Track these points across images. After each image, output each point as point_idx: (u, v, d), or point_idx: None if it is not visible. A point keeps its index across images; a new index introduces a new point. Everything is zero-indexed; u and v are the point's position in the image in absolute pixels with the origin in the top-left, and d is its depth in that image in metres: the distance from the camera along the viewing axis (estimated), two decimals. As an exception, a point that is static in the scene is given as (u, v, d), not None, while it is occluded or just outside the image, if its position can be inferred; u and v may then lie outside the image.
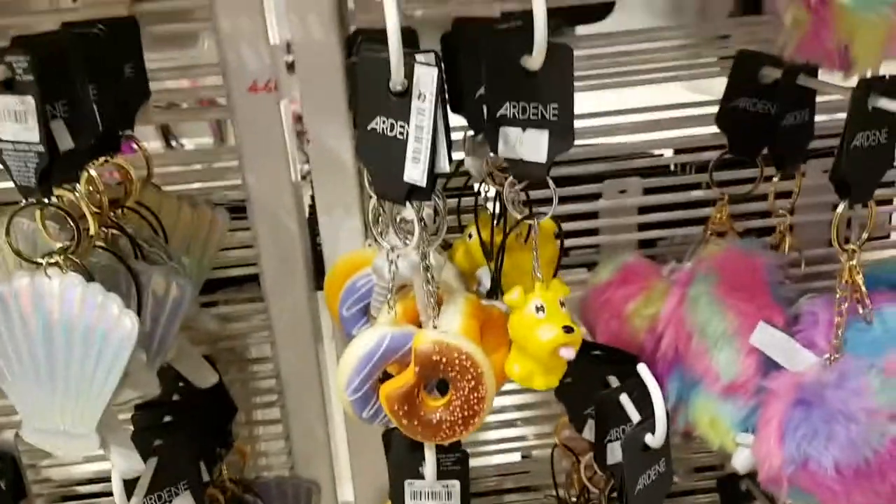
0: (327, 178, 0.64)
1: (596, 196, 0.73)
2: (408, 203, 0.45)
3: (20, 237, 0.51)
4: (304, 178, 0.68)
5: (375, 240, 0.49)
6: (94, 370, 0.47)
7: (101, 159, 0.54)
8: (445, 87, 0.43)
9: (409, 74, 0.42)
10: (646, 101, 0.71)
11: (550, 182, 0.48)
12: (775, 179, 0.63)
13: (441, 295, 0.53)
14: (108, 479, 0.78)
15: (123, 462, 0.49)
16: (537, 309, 0.49)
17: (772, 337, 0.59)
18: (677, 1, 0.89)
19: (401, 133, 0.44)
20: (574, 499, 0.72)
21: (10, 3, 0.58)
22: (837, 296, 0.57)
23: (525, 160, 0.47)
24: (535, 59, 0.43)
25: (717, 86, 0.66)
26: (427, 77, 0.41)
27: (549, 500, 0.77)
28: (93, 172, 0.52)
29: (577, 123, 0.69)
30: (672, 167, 0.76)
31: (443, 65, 0.43)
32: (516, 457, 0.87)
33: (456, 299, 0.51)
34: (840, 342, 0.57)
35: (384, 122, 0.44)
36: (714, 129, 0.65)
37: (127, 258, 0.52)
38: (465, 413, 0.48)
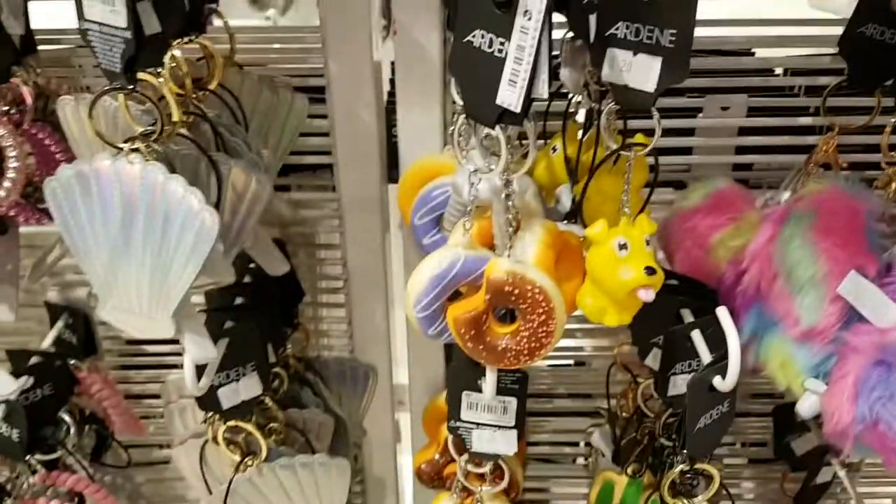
0: (411, 72, 0.61)
1: (695, 111, 0.69)
2: (497, 126, 0.42)
3: (102, 116, 0.50)
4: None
5: (458, 159, 0.47)
6: (173, 258, 0.48)
7: (186, 38, 0.53)
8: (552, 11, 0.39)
9: (516, -15, 0.39)
10: (763, 13, 0.65)
11: (655, 113, 0.45)
12: (893, 120, 0.58)
13: (518, 217, 0.51)
14: (175, 341, 0.83)
15: (196, 349, 0.50)
16: (620, 247, 0.47)
17: (861, 288, 0.56)
18: None
19: (500, 51, 0.41)
20: (626, 415, 0.72)
21: None
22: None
23: (631, 87, 0.44)
24: (658, -19, 0.39)
25: (845, 7, 0.60)
26: (537, -7, 0.38)
27: (601, 412, 0.78)
28: (177, 53, 0.51)
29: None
30: (786, 88, 0.70)
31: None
32: (570, 362, 0.88)
33: (533, 226, 0.49)
34: (932, 304, 0.54)
35: (483, 37, 0.41)
36: (834, 51, 0.59)
37: (208, 148, 0.51)
38: (532, 345, 0.47)
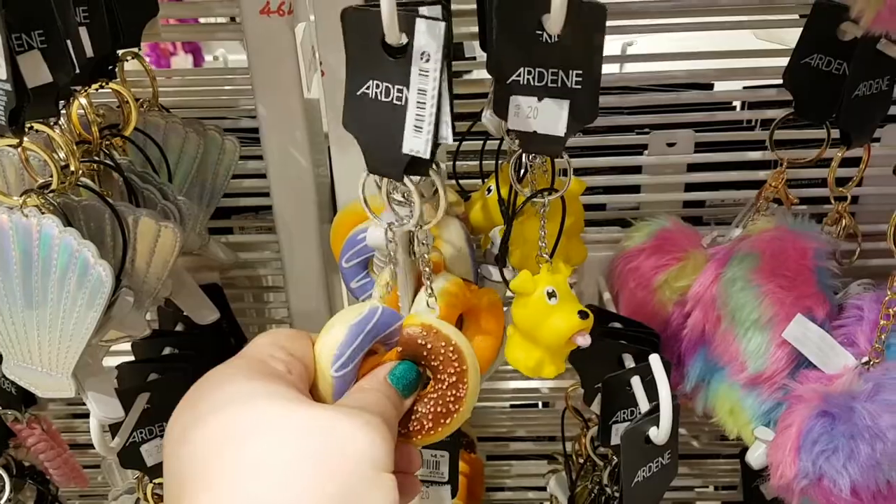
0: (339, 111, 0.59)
1: (641, 148, 0.67)
2: (406, 178, 0.40)
3: (8, 167, 0.48)
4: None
5: (368, 214, 0.44)
6: (71, 314, 0.46)
7: (96, 85, 0.51)
8: (451, 52, 0.37)
9: (408, 30, 0.37)
10: (707, 46, 0.63)
11: (566, 158, 0.43)
12: (838, 154, 0.56)
13: (437, 261, 0.49)
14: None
15: (100, 409, 0.48)
16: (549, 295, 0.45)
17: (807, 332, 0.53)
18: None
19: (398, 98, 0.38)
20: (581, 460, 0.69)
21: None
22: (887, 297, 0.51)
23: (539, 133, 0.41)
24: (553, 22, 0.37)
25: (790, 36, 0.58)
26: (432, 33, 0.36)
27: (558, 457, 0.75)
28: (83, 101, 0.49)
29: (632, 67, 0.63)
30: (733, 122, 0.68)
31: (450, 19, 0.37)
32: (535, 403, 0.85)
33: (439, 279, 0.46)
34: (882, 347, 0.52)
35: (378, 86, 0.39)
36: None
37: (119, 197, 0.49)
38: (439, 409, 0.41)
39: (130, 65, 0.56)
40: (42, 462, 0.70)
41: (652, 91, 0.65)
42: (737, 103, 0.69)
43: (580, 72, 0.39)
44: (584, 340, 0.47)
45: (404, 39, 0.37)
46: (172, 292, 0.57)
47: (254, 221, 0.72)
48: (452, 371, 0.41)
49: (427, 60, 0.37)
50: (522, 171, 0.53)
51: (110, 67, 0.52)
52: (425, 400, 0.41)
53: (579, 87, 0.40)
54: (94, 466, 0.79)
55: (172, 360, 0.61)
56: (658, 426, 0.50)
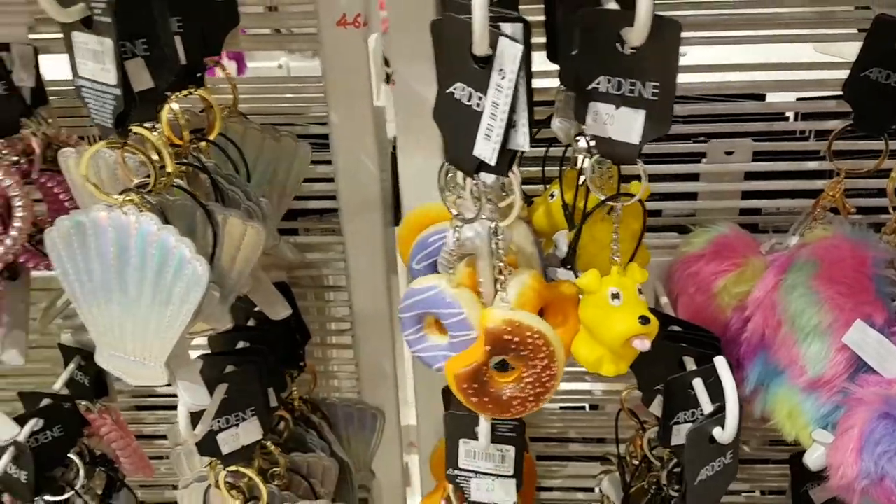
0: (410, 120, 0.62)
1: (699, 156, 0.68)
2: (476, 176, 0.43)
3: (103, 167, 0.51)
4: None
5: (446, 205, 0.47)
6: (165, 307, 0.48)
7: (185, 91, 0.54)
8: (531, 61, 0.40)
9: (492, 44, 0.39)
10: (770, 57, 0.64)
11: (641, 165, 0.44)
12: (899, 166, 0.57)
13: (512, 260, 0.51)
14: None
15: (189, 396, 0.51)
16: (613, 296, 0.47)
17: (867, 338, 0.54)
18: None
19: (478, 105, 0.41)
20: (635, 461, 0.71)
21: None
22: (946, 306, 0.52)
23: (614, 139, 0.43)
24: (636, 35, 0.39)
25: (848, 50, 0.59)
26: (510, 53, 0.38)
27: (611, 458, 0.77)
28: (174, 106, 0.52)
29: (689, 77, 0.65)
30: (796, 132, 0.70)
31: (529, 37, 0.39)
32: (583, 406, 0.87)
33: (521, 274, 0.49)
34: (942, 353, 0.52)
35: (463, 90, 0.41)
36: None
37: (206, 197, 0.52)
38: (538, 390, 0.47)
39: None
40: (114, 451, 0.74)
41: (709, 101, 0.66)
42: (790, 114, 0.70)
43: (656, 83, 0.41)
44: (643, 345, 0.48)
45: (490, 51, 0.40)
46: (250, 290, 0.60)
47: (318, 223, 0.75)
48: (543, 355, 0.44)
49: (503, 77, 0.40)
50: (583, 177, 0.56)
51: (198, 75, 0.54)
52: (522, 384, 0.45)
53: (655, 98, 0.42)
54: (157, 458, 0.83)
55: (246, 353, 0.64)
56: (722, 427, 0.52)
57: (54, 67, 0.62)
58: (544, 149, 0.62)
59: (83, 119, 0.70)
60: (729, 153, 0.66)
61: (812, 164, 0.66)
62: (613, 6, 0.42)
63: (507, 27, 0.39)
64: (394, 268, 0.75)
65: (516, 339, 0.45)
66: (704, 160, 0.67)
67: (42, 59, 0.61)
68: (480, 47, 0.39)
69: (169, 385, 0.68)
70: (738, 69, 0.64)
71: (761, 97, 0.69)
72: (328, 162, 0.67)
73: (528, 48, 0.39)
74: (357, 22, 0.58)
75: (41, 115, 0.61)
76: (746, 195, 0.69)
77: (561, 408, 0.85)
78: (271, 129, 0.63)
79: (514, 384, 0.47)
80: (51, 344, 0.76)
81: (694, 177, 0.68)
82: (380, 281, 0.73)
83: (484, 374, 0.47)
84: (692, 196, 0.69)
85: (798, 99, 0.69)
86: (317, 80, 0.64)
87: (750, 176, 0.68)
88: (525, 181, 0.64)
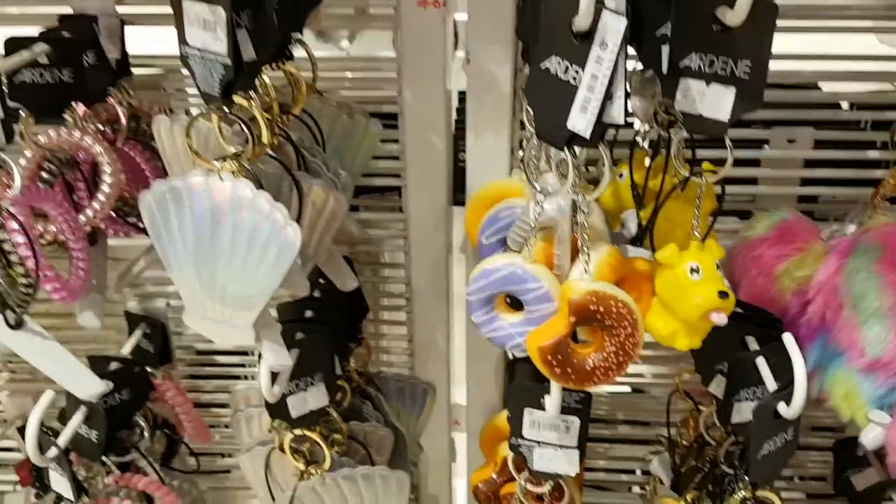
0: (482, 100, 0.64)
1: (761, 143, 0.69)
2: (566, 148, 0.44)
3: (195, 135, 0.53)
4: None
5: (528, 179, 0.49)
6: (256, 270, 0.50)
7: (274, 65, 0.56)
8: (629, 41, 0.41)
9: (595, 17, 0.41)
10: (832, 49, 0.65)
11: (728, 142, 0.46)
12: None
13: (585, 238, 0.53)
14: (244, 353, 0.86)
15: (273, 356, 0.53)
16: (692, 270, 0.49)
17: (929, 322, 0.56)
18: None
19: (574, 78, 0.42)
20: (686, 443, 0.72)
21: None
22: None
23: (704, 116, 0.45)
24: (735, 15, 0.40)
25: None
26: (614, 26, 0.40)
27: (661, 439, 0.78)
28: (266, 79, 0.53)
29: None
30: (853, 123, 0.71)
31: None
32: (627, 389, 0.88)
33: (598, 248, 0.50)
34: None
35: (559, 63, 0.43)
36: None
37: (291, 167, 0.54)
38: (621, 358, 0.49)
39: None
40: (176, 415, 0.76)
41: (772, 88, 0.67)
42: (845, 104, 0.72)
43: (748, 62, 0.43)
44: (721, 319, 0.50)
45: (590, 25, 0.41)
46: (324, 261, 0.62)
47: (380, 201, 0.77)
48: (627, 324, 0.46)
49: (605, 49, 0.41)
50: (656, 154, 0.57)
51: (287, 50, 0.56)
52: (605, 353, 0.46)
53: (747, 76, 0.43)
54: (211, 426, 0.85)
55: (314, 322, 0.66)
56: (787, 403, 0.53)
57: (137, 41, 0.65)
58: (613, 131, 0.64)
59: (158, 93, 0.72)
60: (791, 141, 0.68)
61: (872, 154, 0.67)
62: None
63: (610, 2, 0.40)
64: (450, 248, 0.77)
65: (602, 308, 0.47)
66: (767, 146, 0.69)
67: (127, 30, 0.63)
68: (584, 21, 0.40)
69: (234, 352, 0.70)
70: (801, 58, 0.66)
71: (818, 87, 0.70)
72: (395, 140, 0.69)
73: (630, 24, 0.40)
74: (437, 2, 0.60)
75: (124, 87, 0.63)
76: (805, 182, 0.70)
77: (608, 392, 0.87)
78: (346, 106, 0.64)
79: (596, 353, 0.49)
80: (115, 312, 0.79)
81: (755, 163, 0.69)
82: (440, 260, 0.74)
83: (567, 346, 0.49)
84: (752, 181, 0.70)
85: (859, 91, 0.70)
86: (390, 60, 0.65)
87: (809, 164, 0.69)
88: (589, 162, 0.66)
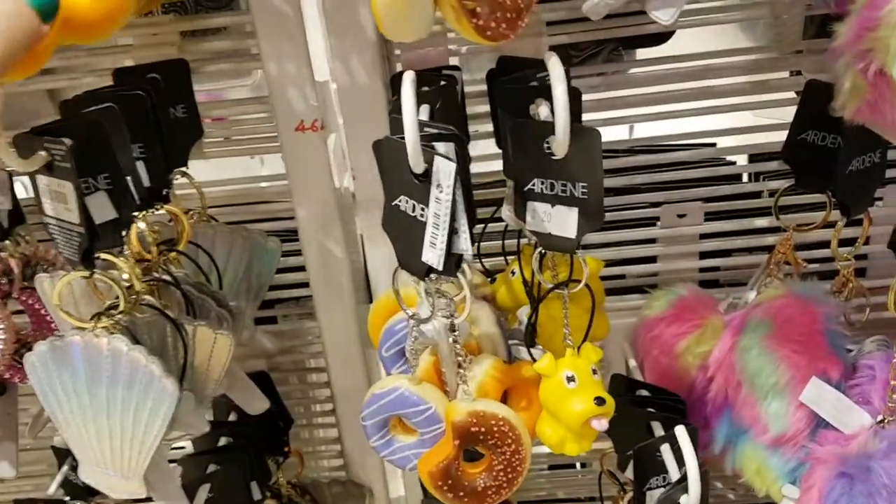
0: (371, 211, 0.65)
1: (655, 219, 0.71)
2: (425, 279, 0.45)
3: (77, 287, 0.54)
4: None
5: (401, 307, 0.49)
6: (137, 423, 0.50)
7: (152, 210, 0.56)
8: (468, 174, 0.42)
9: (428, 161, 0.42)
10: (710, 126, 0.67)
11: (581, 256, 0.47)
12: (840, 225, 0.59)
13: (473, 346, 0.53)
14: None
15: (169, 508, 0.53)
16: (568, 379, 0.49)
17: (823, 394, 0.56)
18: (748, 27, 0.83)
19: (421, 215, 0.43)
20: (620, 522, 0.72)
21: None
22: (895, 360, 0.54)
23: (553, 234, 0.46)
24: (558, 147, 0.42)
25: (785, 113, 0.62)
26: (445, 170, 0.41)
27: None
28: (141, 226, 0.54)
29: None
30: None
31: (467, 151, 0.42)
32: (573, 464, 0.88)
33: (481, 362, 0.51)
34: (895, 405, 0.54)
35: (407, 202, 0.44)
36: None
37: (177, 307, 0.54)
38: (510, 475, 0.49)
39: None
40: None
41: (660, 170, 0.69)
42: (745, 175, 0.73)
43: (585, 184, 0.44)
44: (601, 426, 0.50)
45: (427, 167, 0.42)
46: (227, 388, 0.62)
47: (296, 309, 0.77)
48: (510, 440, 0.46)
49: (441, 190, 0.42)
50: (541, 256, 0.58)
51: (164, 192, 0.57)
52: (493, 473, 0.47)
53: (585, 196, 0.44)
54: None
55: (228, 450, 0.66)
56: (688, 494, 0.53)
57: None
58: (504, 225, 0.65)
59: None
60: (681, 216, 0.69)
61: (762, 221, 0.68)
62: (545, 111, 0.45)
63: (440, 146, 0.42)
64: (369, 344, 0.77)
65: (483, 428, 0.47)
66: (658, 223, 0.70)
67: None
68: (417, 166, 0.41)
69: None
70: (685, 137, 0.67)
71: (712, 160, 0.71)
72: (299, 252, 0.70)
73: (464, 160, 0.41)
74: (315, 126, 0.61)
75: (19, 235, 0.63)
76: (704, 255, 0.71)
77: (549, 467, 0.87)
78: (241, 229, 0.65)
79: (486, 473, 0.49)
80: (44, 446, 0.78)
81: (652, 241, 0.70)
82: (356, 359, 0.74)
83: (456, 469, 0.49)
84: (652, 259, 0.71)
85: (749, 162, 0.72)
86: (281, 177, 0.66)
87: (705, 236, 0.70)
88: (487, 255, 0.67)
